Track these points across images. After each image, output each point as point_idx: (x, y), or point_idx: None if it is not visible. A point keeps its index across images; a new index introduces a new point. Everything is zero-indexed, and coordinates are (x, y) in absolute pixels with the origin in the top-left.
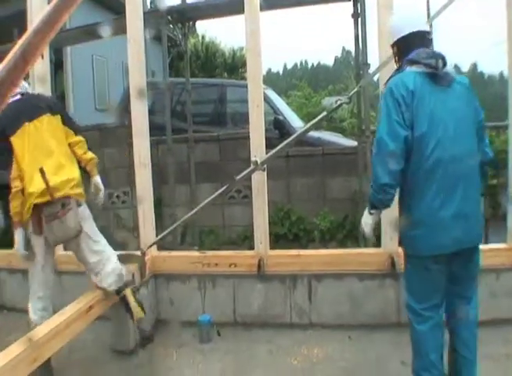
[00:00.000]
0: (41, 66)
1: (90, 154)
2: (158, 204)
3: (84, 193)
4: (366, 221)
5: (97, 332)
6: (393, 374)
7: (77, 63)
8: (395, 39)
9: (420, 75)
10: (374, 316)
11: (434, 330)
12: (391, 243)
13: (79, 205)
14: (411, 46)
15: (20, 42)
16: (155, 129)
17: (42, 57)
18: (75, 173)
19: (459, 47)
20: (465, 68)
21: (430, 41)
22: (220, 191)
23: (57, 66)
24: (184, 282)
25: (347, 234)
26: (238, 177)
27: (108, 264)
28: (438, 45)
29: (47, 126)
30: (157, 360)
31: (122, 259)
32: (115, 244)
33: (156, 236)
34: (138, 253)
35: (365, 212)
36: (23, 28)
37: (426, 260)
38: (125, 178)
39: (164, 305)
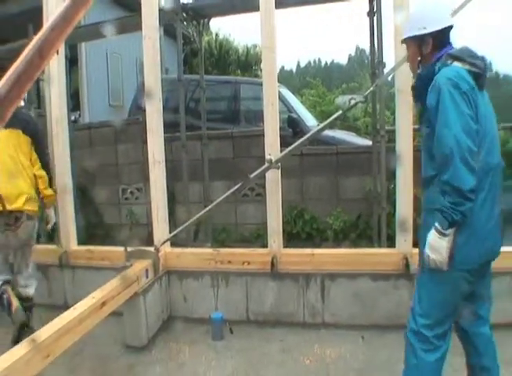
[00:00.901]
0: (56, 64)
1: (50, 191)
2: (171, 200)
3: (36, 209)
4: (440, 246)
5: (110, 327)
6: None
7: (91, 59)
8: (437, 28)
9: (466, 72)
10: (387, 317)
11: (441, 362)
12: (405, 243)
13: (30, 219)
14: (445, 40)
15: (37, 38)
16: (169, 126)
17: (57, 53)
18: (28, 189)
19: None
20: None
21: None
22: (234, 188)
23: (72, 62)
24: (197, 279)
25: (361, 234)
26: (252, 175)
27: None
28: (453, 44)
29: (12, 140)
30: (170, 356)
31: (135, 255)
32: (128, 240)
33: (170, 232)
34: (152, 249)
35: (434, 235)
36: (38, 24)
37: (460, 274)
38: (139, 175)
39: (177, 301)
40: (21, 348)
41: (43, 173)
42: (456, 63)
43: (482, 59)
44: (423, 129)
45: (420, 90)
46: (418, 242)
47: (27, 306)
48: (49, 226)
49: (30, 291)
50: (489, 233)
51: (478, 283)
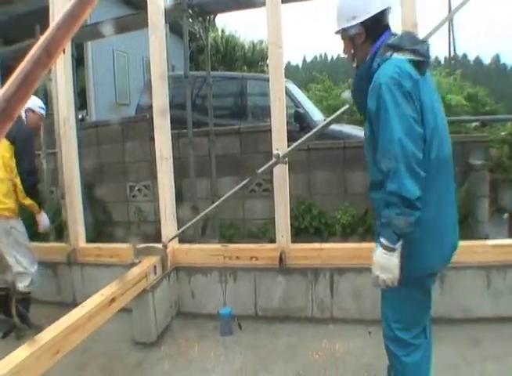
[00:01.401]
0: (63, 63)
1: (27, 201)
2: (179, 197)
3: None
4: (390, 263)
5: (119, 324)
6: None
7: (98, 58)
8: (368, 17)
9: (407, 63)
10: None
11: (425, 357)
12: None
13: None
14: (380, 29)
15: (44, 37)
16: (176, 123)
17: (64, 52)
18: None
19: (482, 38)
20: (487, 59)
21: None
22: (242, 184)
23: (78, 61)
24: (205, 275)
25: (369, 228)
26: (260, 170)
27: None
28: (461, 37)
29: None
30: (179, 352)
31: (144, 252)
32: (137, 237)
33: (178, 229)
34: (160, 246)
35: (381, 253)
36: (45, 24)
37: (428, 277)
38: (146, 172)
39: (186, 297)
40: (31, 346)
41: (18, 181)
42: (397, 55)
43: (423, 42)
44: (365, 132)
45: (361, 90)
46: None
47: (19, 299)
48: (41, 230)
49: (19, 284)
50: (449, 230)
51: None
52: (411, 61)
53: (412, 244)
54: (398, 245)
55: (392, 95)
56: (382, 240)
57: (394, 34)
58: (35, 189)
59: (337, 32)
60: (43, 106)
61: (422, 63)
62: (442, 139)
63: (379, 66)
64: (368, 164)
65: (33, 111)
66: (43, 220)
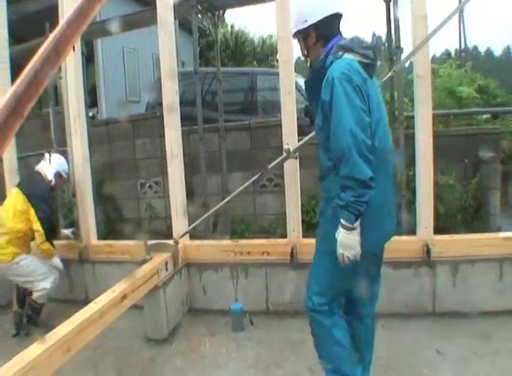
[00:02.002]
0: (73, 61)
1: (46, 245)
2: (190, 193)
3: (3, 258)
4: (352, 241)
5: (131, 321)
6: (428, 363)
7: (107, 55)
8: (312, 22)
9: (356, 63)
10: (409, 305)
11: (341, 323)
12: (425, 230)
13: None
14: (331, 31)
15: (53, 35)
16: (186, 119)
17: (74, 49)
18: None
19: (492, 30)
20: (498, 51)
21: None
22: (253, 179)
23: (88, 59)
24: (216, 270)
25: None
26: (270, 165)
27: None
28: (471, 29)
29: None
30: (191, 349)
31: (155, 248)
32: (148, 233)
33: (189, 225)
34: (171, 242)
35: (343, 233)
36: (54, 23)
37: (367, 258)
38: (157, 169)
39: (197, 293)
40: (44, 343)
41: (38, 227)
42: (347, 55)
43: (373, 48)
44: (318, 121)
45: (314, 85)
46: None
47: (32, 305)
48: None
49: (35, 294)
50: (387, 215)
51: (375, 264)
52: (360, 62)
53: (364, 218)
54: (357, 224)
55: (344, 89)
56: (342, 221)
57: (357, 37)
58: (52, 232)
59: (294, 35)
60: (68, 169)
61: (369, 65)
62: (385, 132)
63: (331, 63)
64: (319, 152)
65: (61, 176)
66: (57, 264)
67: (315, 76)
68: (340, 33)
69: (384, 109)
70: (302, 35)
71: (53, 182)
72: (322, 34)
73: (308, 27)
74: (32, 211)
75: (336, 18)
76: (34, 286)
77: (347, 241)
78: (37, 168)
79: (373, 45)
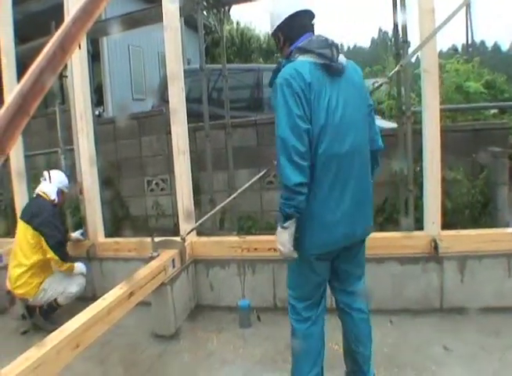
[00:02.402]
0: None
1: (65, 266)
2: (197, 190)
3: (30, 292)
4: (283, 239)
5: (138, 317)
6: (435, 359)
7: (113, 53)
8: (277, 25)
9: (314, 65)
10: (416, 301)
11: (312, 331)
12: (433, 226)
13: (24, 301)
14: (297, 30)
15: (59, 32)
16: (192, 116)
17: (79, 47)
18: (17, 275)
19: (500, 25)
20: (505, 46)
21: (314, 17)
22: (259, 176)
23: (94, 57)
24: (223, 267)
25: (388, 218)
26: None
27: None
28: (478, 22)
29: (20, 231)
30: (198, 345)
31: (162, 245)
32: (155, 231)
33: (195, 222)
34: (178, 239)
35: (278, 230)
36: (59, 22)
37: (311, 258)
38: (163, 166)
39: (204, 290)
40: (52, 339)
41: (52, 255)
42: (302, 57)
43: (331, 46)
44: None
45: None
46: None
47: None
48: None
49: (60, 299)
50: (340, 220)
51: (347, 264)
52: (317, 64)
53: (300, 227)
54: (288, 224)
55: (283, 94)
56: (278, 220)
57: (318, 36)
58: (66, 254)
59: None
60: (68, 184)
61: (327, 65)
62: (337, 136)
63: (283, 66)
64: None
65: (63, 192)
66: (80, 271)
67: (271, 79)
68: (309, 31)
69: (347, 110)
70: (273, 37)
71: (56, 200)
72: (287, 35)
73: (275, 29)
74: (43, 240)
75: (300, 17)
76: (61, 294)
77: (280, 239)
78: (38, 191)
79: (332, 42)
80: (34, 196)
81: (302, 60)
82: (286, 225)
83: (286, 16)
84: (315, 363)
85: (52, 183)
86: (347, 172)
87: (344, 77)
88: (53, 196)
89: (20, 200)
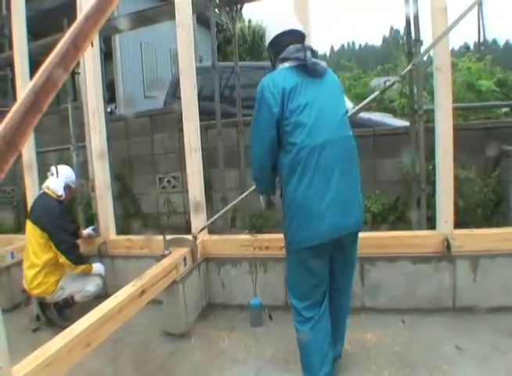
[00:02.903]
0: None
1: (79, 268)
2: (208, 188)
3: (47, 290)
4: (261, 198)
5: (150, 315)
6: (448, 358)
7: (125, 50)
8: (268, 42)
9: (291, 70)
10: (428, 300)
11: (316, 331)
12: (446, 225)
13: (41, 299)
14: (283, 46)
15: (71, 30)
16: (204, 114)
17: (92, 45)
18: (32, 276)
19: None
20: None
21: (303, 36)
22: None
23: (106, 55)
24: (235, 265)
25: (400, 216)
26: None
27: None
28: (490, 20)
29: (29, 233)
30: (209, 343)
31: (174, 243)
32: (166, 228)
33: (207, 220)
34: (190, 237)
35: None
36: (72, 18)
37: (310, 251)
38: (175, 164)
39: (216, 288)
40: (63, 338)
41: (64, 260)
42: (282, 66)
43: (305, 49)
44: None
45: None
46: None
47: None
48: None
49: (77, 297)
50: (328, 209)
51: (339, 264)
52: (294, 67)
53: (287, 220)
54: (261, 196)
55: (258, 103)
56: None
57: (295, 45)
58: (80, 256)
59: None
60: (75, 179)
61: (302, 66)
62: (317, 127)
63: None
64: None
65: (70, 187)
66: (98, 272)
67: None
68: (294, 43)
69: (324, 106)
70: (267, 54)
71: (63, 196)
72: (275, 51)
73: (267, 46)
74: (53, 244)
75: (286, 36)
76: (78, 292)
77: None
78: (44, 187)
79: (306, 46)
80: (41, 193)
81: (281, 69)
82: (261, 197)
83: (275, 35)
84: (322, 363)
85: (59, 178)
86: (327, 167)
87: (325, 78)
88: (60, 191)
89: (32, 195)
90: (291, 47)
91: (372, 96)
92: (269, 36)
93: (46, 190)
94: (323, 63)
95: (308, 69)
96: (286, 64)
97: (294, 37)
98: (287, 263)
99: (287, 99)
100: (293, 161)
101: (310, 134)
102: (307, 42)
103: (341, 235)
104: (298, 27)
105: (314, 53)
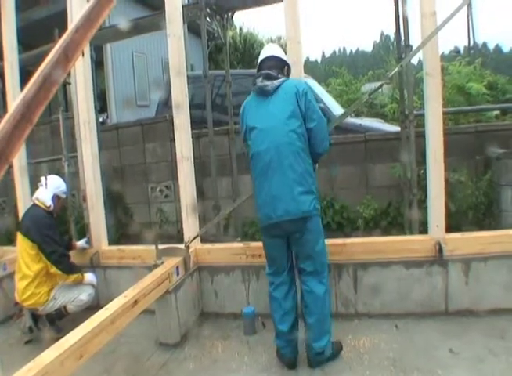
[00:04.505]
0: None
1: (71, 278)
2: (200, 196)
3: (39, 301)
4: None
5: (142, 325)
6: (441, 362)
7: (117, 60)
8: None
9: (253, 93)
10: (421, 305)
11: (278, 294)
12: (437, 229)
13: (33, 311)
14: (263, 69)
15: (62, 40)
16: (196, 123)
17: (83, 54)
18: (28, 290)
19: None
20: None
21: (276, 60)
22: None
23: (98, 64)
24: (228, 274)
25: (392, 221)
26: None
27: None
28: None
29: (19, 244)
30: (203, 353)
31: (166, 253)
32: (159, 238)
33: (200, 228)
34: (182, 246)
35: None
36: (63, 29)
37: (263, 231)
38: (167, 172)
39: (209, 297)
40: (55, 350)
41: (55, 270)
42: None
43: (261, 76)
44: None
45: None
46: None
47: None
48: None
49: (70, 306)
50: (263, 204)
51: (294, 245)
52: (254, 90)
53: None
54: None
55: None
56: None
57: (262, 72)
58: (71, 265)
59: None
60: (65, 189)
61: (259, 88)
62: (258, 139)
63: None
64: None
65: (59, 197)
66: (90, 281)
67: None
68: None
69: (268, 120)
70: None
71: (52, 207)
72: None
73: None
74: (44, 256)
75: (262, 63)
76: (71, 301)
77: None
78: (34, 198)
79: (262, 73)
80: (31, 204)
81: (251, 92)
82: None
83: (258, 66)
84: (281, 319)
85: (47, 189)
86: (266, 166)
87: (276, 94)
88: (48, 202)
89: (23, 207)
90: (257, 74)
91: (360, 100)
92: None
93: (36, 201)
94: (275, 82)
95: (259, 90)
96: (253, 88)
97: (270, 62)
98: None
99: (247, 115)
100: (250, 166)
101: (255, 144)
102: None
103: (272, 222)
104: (278, 54)
105: (268, 76)
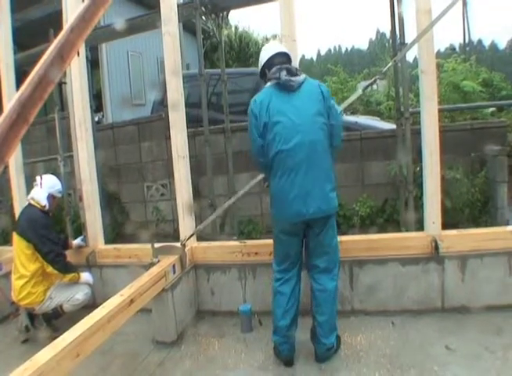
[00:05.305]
0: (77, 66)
1: (68, 277)
2: (196, 195)
3: (35, 300)
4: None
5: (139, 324)
6: (438, 359)
7: (112, 59)
8: (260, 68)
9: (271, 87)
10: (418, 302)
11: (285, 289)
12: (433, 226)
13: (29, 310)
14: (271, 67)
15: (57, 40)
16: (192, 121)
17: (78, 54)
18: (25, 289)
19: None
20: (503, 44)
21: (287, 57)
22: (258, 179)
23: (93, 63)
24: (224, 272)
25: (388, 219)
26: None
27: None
28: (475, 21)
29: (15, 244)
30: (200, 351)
31: (162, 251)
32: (155, 236)
33: (196, 227)
34: (178, 244)
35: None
36: (58, 29)
37: (282, 229)
38: (163, 171)
39: (205, 295)
40: (52, 349)
41: (52, 270)
42: (267, 85)
43: (280, 70)
44: None
45: None
46: None
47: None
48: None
49: (66, 305)
50: (293, 201)
51: (311, 241)
52: (273, 85)
53: (272, 200)
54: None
55: (249, 119)
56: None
57: (277, 66)
58: (67, 265)
59: None
60: (61, 188)
61: (277, 83)
62: (285, 136)
63: None
64: None
65: (54, 197)
66: (86, 281)
67: None
68: (279, 64)
69: (296, 116)
70: (260, 78)
71: (47, 206)
72: (265, 74)
73: (260, 71)
74: (40, 256)
75: (273, 59)
76: (67, 301)
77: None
78: (29, 198)
79: (284, 67)
80: (27, 204)
81: (266, 87)
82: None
83: (265, 60)
84: (283, 315)
85: (42, 189)
86: (296, 164)
87: (301, 90)
88: (43, 202)
89: (19, 207)
90: (273, 68)
91: (354, 96)
92: (261, 62)
93: (31, 201)
94: (299, 78)
95: (281, 85)
96: (269, 83)
97: (280, 59)
98: (273, 236)
99: (265, 112)
100: (273, 162)
101: (281, 139)
102: (293, 48)
103: (303, 219)
104: (284, 50)
105: (290, 71)
